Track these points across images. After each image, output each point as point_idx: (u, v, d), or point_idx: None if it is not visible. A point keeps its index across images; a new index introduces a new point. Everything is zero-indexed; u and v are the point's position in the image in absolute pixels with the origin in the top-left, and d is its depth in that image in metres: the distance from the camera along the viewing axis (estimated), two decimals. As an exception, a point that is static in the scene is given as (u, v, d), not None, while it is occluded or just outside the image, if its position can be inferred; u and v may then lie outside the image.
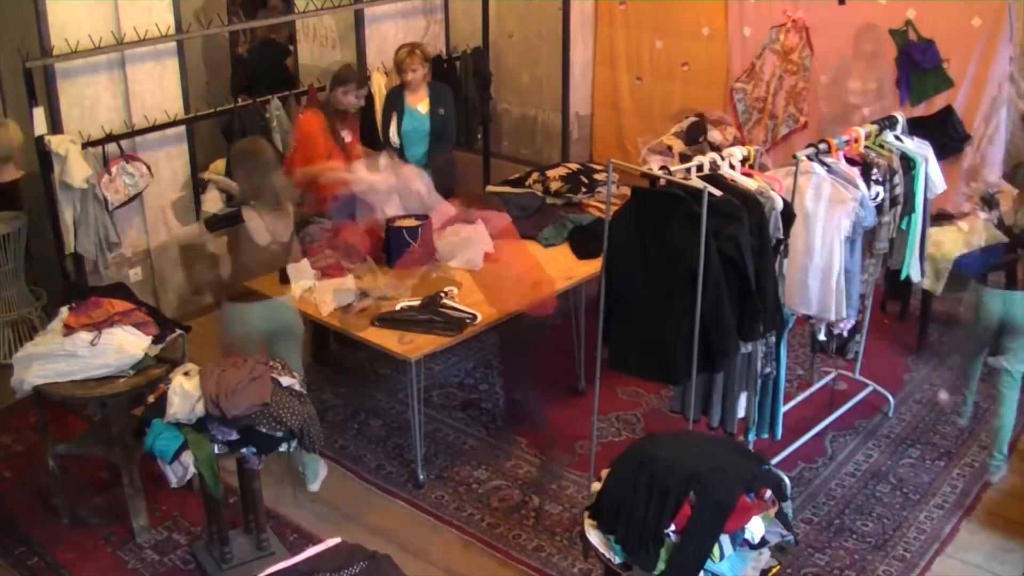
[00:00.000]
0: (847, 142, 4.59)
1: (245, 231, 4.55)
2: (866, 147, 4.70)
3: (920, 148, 4.83)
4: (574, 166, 6.46)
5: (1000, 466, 4.83)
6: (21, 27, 5.48)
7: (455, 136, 6.50)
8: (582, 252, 5.38)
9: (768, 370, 4.47)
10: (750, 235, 3.96)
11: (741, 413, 4.52)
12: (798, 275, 4.56)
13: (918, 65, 6.59)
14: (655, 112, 7.96)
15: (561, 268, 5.27)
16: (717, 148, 5.46)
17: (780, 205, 4.11)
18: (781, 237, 4.16)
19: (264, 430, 3.88)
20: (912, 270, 4.96)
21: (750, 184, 4.11)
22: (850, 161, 4.57)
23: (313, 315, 4.82)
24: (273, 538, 4.38)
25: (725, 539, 3.15)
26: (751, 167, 4.38)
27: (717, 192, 3.97)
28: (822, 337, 4.86)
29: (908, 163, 4.73)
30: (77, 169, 5.37)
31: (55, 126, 5.50)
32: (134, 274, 6.14)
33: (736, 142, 5.74)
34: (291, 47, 7.36)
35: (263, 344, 4.54)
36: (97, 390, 4.26)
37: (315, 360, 5.80)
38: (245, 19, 7.00)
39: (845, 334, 5.00)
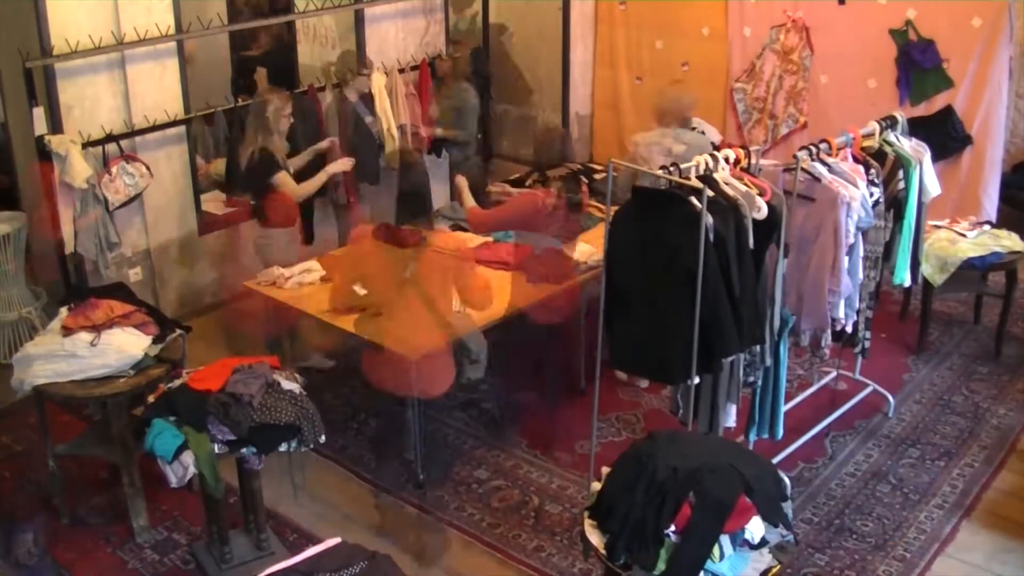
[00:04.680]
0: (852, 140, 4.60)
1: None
2: (865, 146, 4.71)
3: (917, 151, 4.83)
4: (574, 166, 6.47)
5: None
6: (21, 27, 5.48)
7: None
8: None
9: (752, 379, 4.46)
10: (734, 239, 3.97)
11: (730, 423, 4.52)
12: (795, 274, 4.57)
13: (918, 65, 6.60)
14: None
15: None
16: (716, 148, 5.46)
17: (763, 212, 4.09)
18: (760, 245, 4.14)
19: (265, 420, 3.88)
20: (904, 276, 4.97)
21: (738, 187, 4.10)
22: (855, 160, 4.59)
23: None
24: (273, 538, 4.38)
25: (725, 539, 3.15)
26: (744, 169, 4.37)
27: (711, 192, 3.97)
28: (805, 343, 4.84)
29: (902, 165, 4.73)
30: (77, 169, 5.37)
31: (55, 126, 5.50)
32: (134, 274, 6.14)
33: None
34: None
35: None
36: (97, 390, 4.26)
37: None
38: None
39: (848, 330, 5.00)
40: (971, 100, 6.51)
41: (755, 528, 3.20)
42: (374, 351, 4.50)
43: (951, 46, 6.47)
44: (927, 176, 4.86)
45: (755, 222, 4.04)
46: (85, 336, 4.31)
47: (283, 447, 3.97)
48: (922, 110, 6.60)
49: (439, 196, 7.78)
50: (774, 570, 3.22)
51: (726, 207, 3.98)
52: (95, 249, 5.59)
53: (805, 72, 7.13)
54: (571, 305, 5.17)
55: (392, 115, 6.86)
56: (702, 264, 3.87)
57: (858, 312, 4.85)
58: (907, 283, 5.07)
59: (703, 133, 5.83)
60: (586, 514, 3.40)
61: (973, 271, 5.75)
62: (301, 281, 5.10)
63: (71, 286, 5.67)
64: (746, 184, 4.12)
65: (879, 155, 4.75)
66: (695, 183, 3.96)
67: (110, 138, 5.73)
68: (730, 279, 3.99)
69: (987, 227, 5.98)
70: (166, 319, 4.74)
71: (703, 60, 7.63)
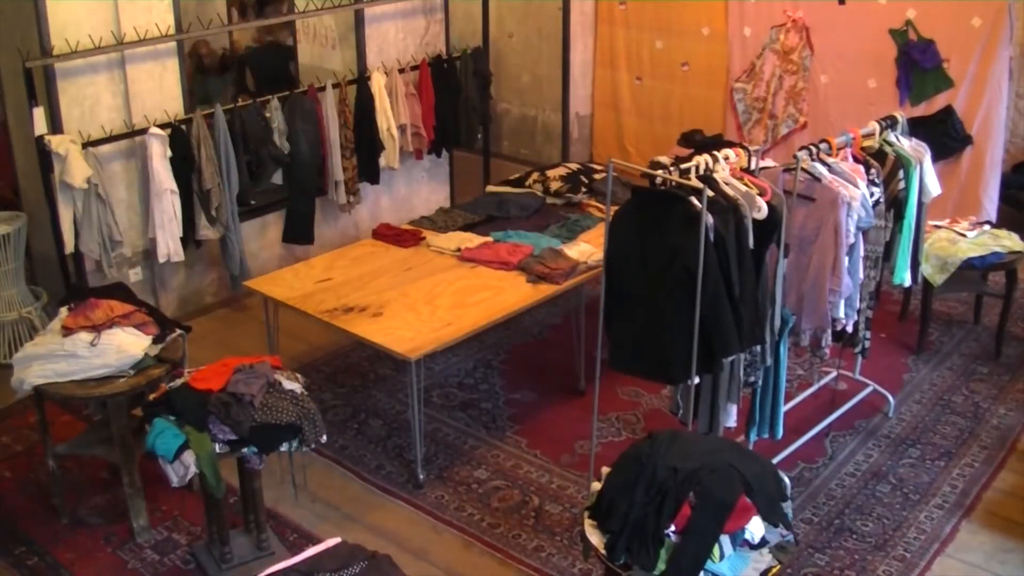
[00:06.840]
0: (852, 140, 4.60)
1: None
2: (865, 146, 4.71)
3: (917, 151, 4.83)
4: (574, 166, 6.47)
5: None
6: (21, 27, 5.48)
7: None
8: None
9: (752, 379, 4.46)
10: (734, 239, 3.97)
11: (731, 423, 4.52)
12: (795, 274, 4.57)
13: (918, 65, 6.60)
14: (655, 112, 7.97)
15: (561, 268, 5.27)
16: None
17: (763, 211, 4.08)
18: (760, 245, 4.13)
19: (266, 420, 3.88)
20: (904, 276, 4.97)
21: (739, 187, 4.10)
22: (855, 160, 4.59)
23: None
24: (273, 538, 4.38)
25: (725, 539, 3.15)
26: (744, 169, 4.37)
27: (711, 192, 3.97)
28: (805, 343, 4.85)
29: (902, 165, 4.74)
30: (77, 169, 5.37)
31: (55, 126, 5.51)
32: (134, 274, 6.14)
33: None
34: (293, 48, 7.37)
35: None
36: (97, 390, 4.26)
37: None
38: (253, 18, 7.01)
39: (848, 330, 5.01)
40: (971, 100, 6.51)
41: (755, 528, 3.20)
42: None
43: (951, 46, 6.48)
44: (927, 176, 4.86)
45: (755, 222, 4.04)
46: (85, 336, 4.31)
47: (284, 447, 3.97)
48: (922, 110, 6.61)
49: (437, 196, 7.79)
50: (774, 570, 3.22)
51: (726, 207, 3.98)
52: (99, 248, 5.60)
53: (805, 72, 7.13)
54: None
55: (392, 115, 6.86)
56: (702, 264, 3.87)
57: (858, 312, 4.85)
58: (907, 283, 5.07)
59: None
60: (586, 514, 3.41)
61: (973, 271, 5.75)
62: None
63: (71, 286, 5.67)
64: (746, 184, 4.12)
65: (879, 155, 4.75)
66: (695, 183, 3.96)
67: (110, 138, 5.73)
68: (730, 279, 3.99)
69: (987, 227, 5.98)
70: (166, 319, 4.74)
71: (703, 60, 7.63)
